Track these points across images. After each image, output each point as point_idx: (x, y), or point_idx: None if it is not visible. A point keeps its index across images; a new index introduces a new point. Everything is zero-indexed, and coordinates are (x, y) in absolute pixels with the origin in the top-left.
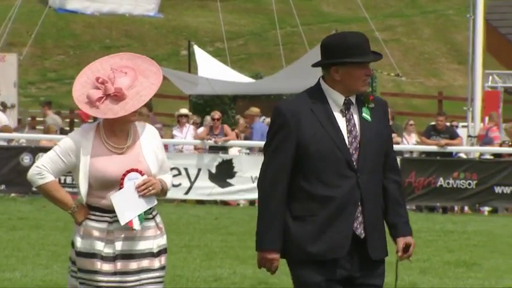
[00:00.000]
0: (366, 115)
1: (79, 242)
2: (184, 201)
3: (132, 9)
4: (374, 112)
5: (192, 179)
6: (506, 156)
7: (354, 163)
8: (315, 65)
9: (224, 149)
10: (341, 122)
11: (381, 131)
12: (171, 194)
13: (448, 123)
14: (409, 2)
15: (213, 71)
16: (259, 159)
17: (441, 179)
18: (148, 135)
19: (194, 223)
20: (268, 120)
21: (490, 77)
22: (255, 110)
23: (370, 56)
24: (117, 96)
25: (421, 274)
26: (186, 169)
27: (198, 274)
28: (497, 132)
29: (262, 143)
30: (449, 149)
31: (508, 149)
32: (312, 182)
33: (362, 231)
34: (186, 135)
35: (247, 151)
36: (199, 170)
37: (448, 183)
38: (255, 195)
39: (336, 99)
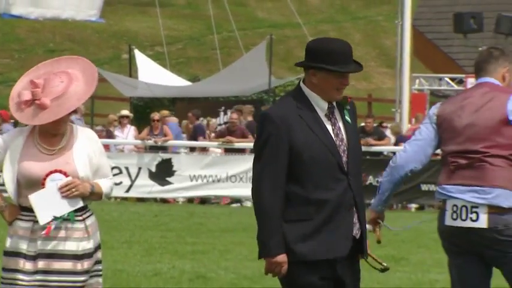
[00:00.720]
0: (348, 117)
1: (8, 242)
2: (125, 199)
3: (74, 14)
4: (350, 114)
5: (133, 178)
6: (432, 155)
7: (345, 166)
8: (297, 64)
9: (164, 149)
10: (328, 126)
11: (357, 133)
12: (113, 192)
13: (375, 124)
14: (340, 8)
15: (153, 74)
16: (198, 158)
17: (371, 177)
18: (83, 139)
19: (135, 220)
20: (206, 120)
21: (417, 80)
22: (164, 112)
23: (350, 66)
24: (40, 105)
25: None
26: (127, 168)
27: (138, 269)
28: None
29: (202, 143)
30: (378, 148)
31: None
32: (306, 186)
33: (357, 231)
34: (127, 135)
35: (186, 150)
36: (139, 169)
37: (378, 182)
38: (193, 193)
39: (319, 103)
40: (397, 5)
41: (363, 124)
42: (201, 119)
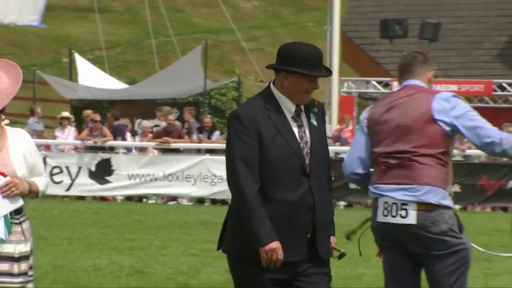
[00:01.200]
0: (313, 121)
1: None
2: (65, 197)
3: (16, 19)
4: (317, 116)
5: (73, 177)
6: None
7: (307, 168)
8: (268, 67)
9: (103, 149)
10: (294, 128)
11: (324, 136)
12: (54, 190)
13: None
14: (272, 15)
15: (93, 77)
16: (136, 158)
17: None
18: (18, 140)
19: (75, 217)
20: (143, 122)
21: (346, 84)
22: (88, 112)
23: (321, 71)
24: None
25: None
26: (67, 167)
27: (78, 264)
28: (350, 133)
29: (140, 144)
30: None
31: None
32: (270, 186)
33: (312, 233)
34: (68, 136)
35: (125, 150)
36: (79, 168)
37: None
38: (131, 192)
39: (288, 106)
40: (327, 11)
41: None
42: (139, 119)
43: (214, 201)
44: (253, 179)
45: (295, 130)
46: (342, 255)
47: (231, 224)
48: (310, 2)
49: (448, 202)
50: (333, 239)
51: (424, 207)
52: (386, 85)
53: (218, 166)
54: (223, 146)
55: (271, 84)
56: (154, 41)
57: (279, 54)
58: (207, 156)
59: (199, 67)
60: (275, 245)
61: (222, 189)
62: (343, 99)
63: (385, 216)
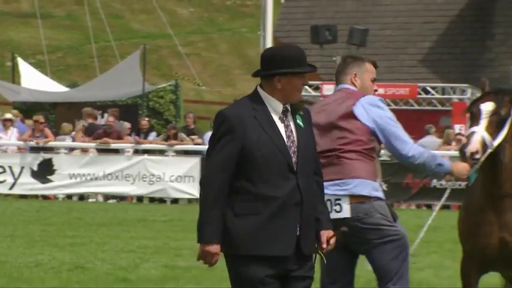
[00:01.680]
0: (300, 122)
1: None
2: (8, 195)
3: None
4: (304, 119)
5: (16, 176)
6: None
7: (294, 166)
8: (256, 75)
9: (45, 149)
10: (280, 127)
11: (312, 136)
12: None
13: None
14: (208, 21)
15: (35, 81)
16: (77, 158)
17: None
18: None
19: (18, 215)
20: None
21: None
22: (13, 114)
23: (308, 67)
24: None
25: (220, 258)
26: (10, 167)
27: (20, 260)
28: None
29: (81, 144)
30: None
31: None
32: (256, 183)
33: (298, 229)
34: (11, 137)
35: (66, 151)
36: (22, 168)
37: None
38: (72, 190)
39: (275, 106)
40: (260, 18)
41: None
42: (81, 121)
43: (152, 200)
44: (221, 178)
45: (282, 129)
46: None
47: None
48: (244, 8)
49: (379, 193)
50: (330, 233)
51: (357, 200)
52: (316, 88)
53: (156, 166)
54: (160, 146)
55: (259, 88)
56: (95, 45)
57: (265, 60)
58: (146, 156)
59: (138, 71)
60: (214, 249)
61: (159, 187)
62: None
63: None
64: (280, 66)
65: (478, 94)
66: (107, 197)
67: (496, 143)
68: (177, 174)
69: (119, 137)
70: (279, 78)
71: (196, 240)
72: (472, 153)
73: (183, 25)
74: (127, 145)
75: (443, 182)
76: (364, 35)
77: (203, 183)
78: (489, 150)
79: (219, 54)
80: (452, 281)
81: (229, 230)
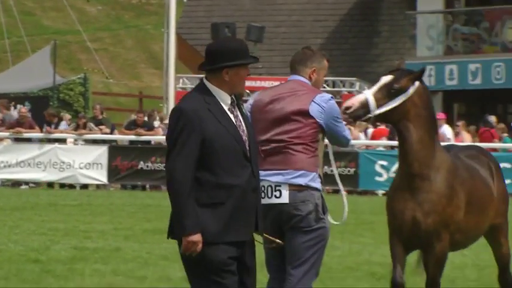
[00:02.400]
0: (244, 111)
1: None
2: None
3: None
4: (244, 108)
5: None
6: None
7: (248, 154)
8: (203, 69)
9: None
10: (232, 118)
11: (251, 125)
12: None
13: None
14: (115, 18)
15: None
16: None
17: (142, 162)
18: None
19: None
20: None
21: (181, 80)
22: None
23: (252, 58)
24: None
25: (125, 240)
26: None
27: None
28: None
29: None
30: (148, 138)
31: None
32: (217, 173)
33: (256, 213)
34: None
35: None
36: None
37: (147, 166)
38: None
39: (224, 98)
40: (164, 15)
41: (134, 117)
42: None
43: (62, 185)
44: (189, 171)
45: (233, 120)
46: (278, 246)
47: None
48: (148, 7)
49: (317, 184)
50: None
51: (295, 188)
52: None
53: (66, 154)
54: (70, 135)
55: (205, 81)
56: (8, 41)
57: (211, 54)
58: (56, 145)
59: (48, 65)
60: (197, 238)
61: (69, 174)
62: (179, 95)
63: (263, 198)
64: (228, 59)
65: (366, 87)
66: (20, 183)
67: (380, 111)
68: (86, 162)
69: (31, 127)
70: (227, 70)
71: (103, 224)
72: (347, 108)
73: (92, 22)
74: (38, 135)
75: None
76: (261, 32)
77: (174, 180)
78: (370, 115)
79: (125, 49)
80: (342, 260)
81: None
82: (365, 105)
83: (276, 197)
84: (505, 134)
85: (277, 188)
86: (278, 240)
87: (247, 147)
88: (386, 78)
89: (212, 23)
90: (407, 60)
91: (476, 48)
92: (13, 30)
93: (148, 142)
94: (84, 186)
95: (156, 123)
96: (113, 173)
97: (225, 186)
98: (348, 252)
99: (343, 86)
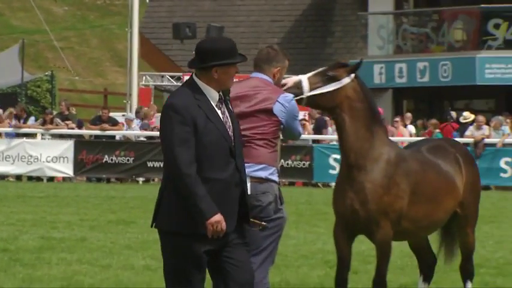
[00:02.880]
0: (230, 107)
1: None
2: None
3: None
4: (230, 104)
5: None
6: (158, 138)
7: (233, 149)
8: (193, 67)
9: None
10: (219, 114)
11: (236, 120)
12: None
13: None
14: (80, 18)
15: None
16: None
17: (106, 156)
18: None
19: None
20: None
21: (144, 77)
22: None
23: (241, 57)
24: None
25: (90, 230)
26: None
27: None
28: (154, 118)
29: None
30: (112, 133)
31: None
32: (204, 167)
33: (238, 206)
34: None
35: None
36: None
37: (112, 160)
38: None
39: (212, 95)
40: (127, 16)
41: (100, 113)
42: None
43: (30, 178)
44: (192, 161)
45: (221, 116)
46: (263, 228)
47: (167, 202)
48: (113, 7)
49: (276, 178)
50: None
51: (256, 180)
52: (178, 78)
53: (34, 148)
54: (37, 130)
55: (195, 77)
56: None
57: (202, 52)
58: (24, 139)
59: (17, 63)
60: (219, 217)
61: (37, 167)
62: (142, 91)
63: None
64: (218, 58)
65: None
66: None
67: (312, 93)
68: (53, 155)
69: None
70: (216, 69)
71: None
72: (282, 85)
73: (58, 22)
74: (7, 129)
75: (289, 162)
76: (220, 32)
77: (181, 173)
78: (302, 96)
79: (90, 48)
80: (297, 248)
81: (174, 209)
82: (299, 86)
83: None
84: (437, 130)
85: None
86: (263, 223)
87: (233, 143)
88: (323, 69)
89: (173, 23)
90: (359, 59)
91: (424, 48)
92: None
93: (113, 137)
94: (51, 179)
95: (120, 119)
96: (79, 166)
97: (209, 180)
98: (303, 241)
99: None
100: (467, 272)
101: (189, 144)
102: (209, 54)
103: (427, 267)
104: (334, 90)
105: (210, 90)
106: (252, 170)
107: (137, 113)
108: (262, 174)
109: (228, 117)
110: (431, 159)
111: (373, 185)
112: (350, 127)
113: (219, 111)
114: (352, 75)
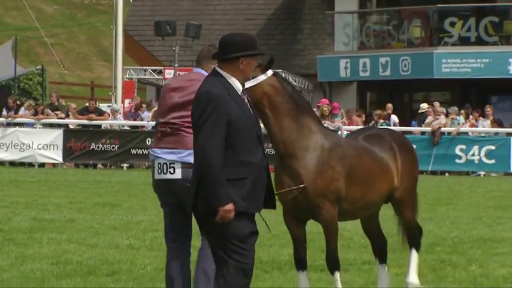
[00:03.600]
0: (249, 98)
1: None
2: None
3: None
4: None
5: None
6: (141, 127)
7: (260, 136)
8: (218, 58)
9: None
10: (246, 102)
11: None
12: None
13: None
14: (69, 16)
15: None
16: None
17: (93, 144)
18: None
19: None
20: None
21: (128, 71)
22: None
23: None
24: None
25: (78, 212)
26: None
27: None
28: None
29: None
30: (98, 122)
31: (140, 122)
32: (239, 151)
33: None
34: None
35: None
36: None
37: (98, 147)
38: None
39: (237, 85)
40: (112, 14)
41: (87, 104)
42: None
43: (22, 164)
44: (220, 150)
45: (248, 105)
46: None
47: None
48: (99, 6)
49: None
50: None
51: (187, 165)
52: (159, 72)
53: (26, 136)
54: (29, 120)
55: (219, 69)
56: None
57: (227, 45)
58: (17, 128)
59: (10, 57)
60: (231, 206)
61: (29, 154)
62: (126, 84)
63: (159, 174)
64: (244, 49)
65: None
66: None
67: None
68: (44, 143)
69: None
70: (242, 60)
71: (60, 198)
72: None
73: (48, 20)
74: (1, 119)
75: None
76: (198, 29)
77: (207, 160)
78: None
79: (78, 44)
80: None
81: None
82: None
83: (170, 173)
84: (381, 120)
85: (171, 165)
86: (300, 185)
87: (260, 130)
88: None
89: (155, 21)
90: (326, 55)
91: (386, 44)
92: None
93: (99, 126)
94: (42, 165)
95: (105, 109)
96: (68, 153)
97: (246, 164)
98: (274, 222)
99: None
100: (413, 243)
101: (220, 133)
102: (236, 46)
103: (379, 249)
104: (251, 87)
105: (235, 81)
106: (182, 155)
107: (148, 105)
108: (192, 160)
109: (250, 107)
110: (367, 146)
111: (306, 170)
112: (273, 120)
113: (246, 100)
114: (269, 72)
